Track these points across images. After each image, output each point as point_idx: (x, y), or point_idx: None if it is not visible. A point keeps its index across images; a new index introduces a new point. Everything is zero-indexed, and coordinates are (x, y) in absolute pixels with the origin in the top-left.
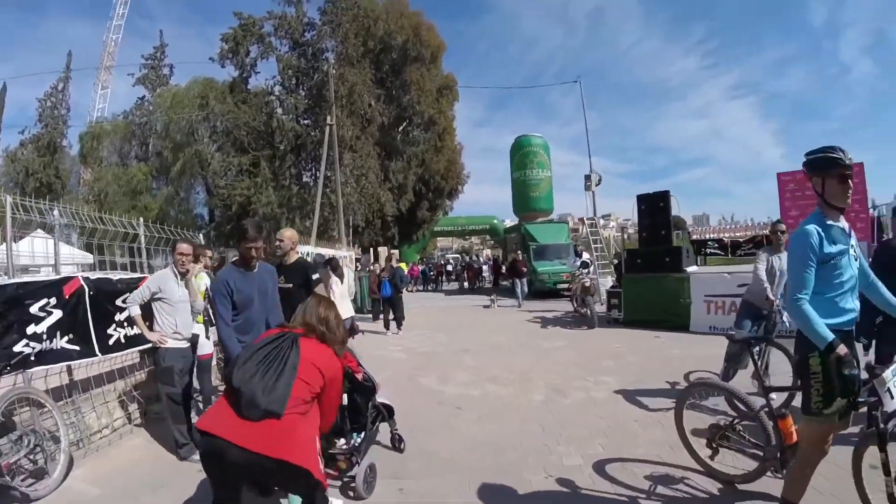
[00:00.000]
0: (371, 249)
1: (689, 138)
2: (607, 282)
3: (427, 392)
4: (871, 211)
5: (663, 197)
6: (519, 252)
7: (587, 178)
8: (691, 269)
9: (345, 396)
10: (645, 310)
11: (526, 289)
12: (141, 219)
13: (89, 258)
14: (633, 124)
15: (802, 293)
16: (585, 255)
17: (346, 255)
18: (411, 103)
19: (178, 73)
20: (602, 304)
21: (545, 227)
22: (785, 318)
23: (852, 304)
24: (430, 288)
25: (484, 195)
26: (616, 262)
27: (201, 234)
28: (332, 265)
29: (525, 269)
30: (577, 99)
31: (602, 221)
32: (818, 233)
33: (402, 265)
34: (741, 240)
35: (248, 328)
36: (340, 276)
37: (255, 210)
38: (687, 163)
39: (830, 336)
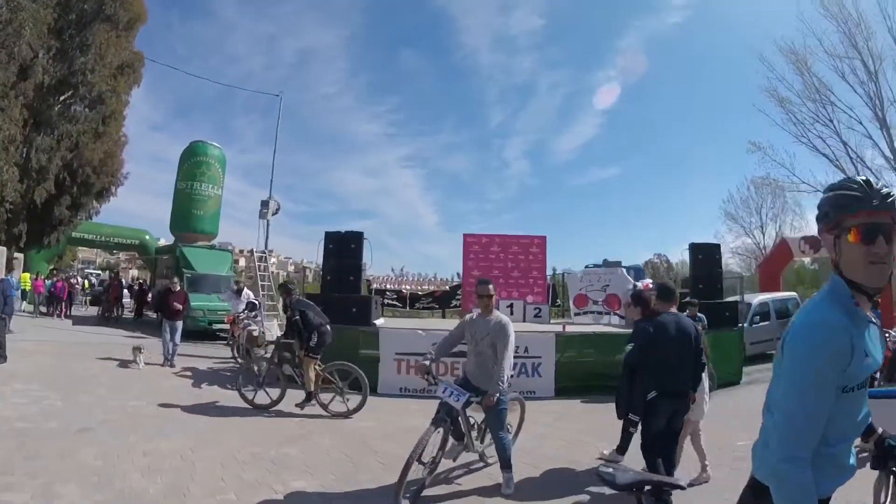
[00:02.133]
0: None
1: (360, 191)
2: (272, 327)
3: None
4: (548, 279)
5: (356, 238)
6: (176, 280)
7: (264, 203)
8: (379, 321)
9: None
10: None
11: (179, 339)
12: None
13: None
14: (310, 168)
15: (802, 451)
16: (249, 294)
17: None
18: (83, 69)
19: None
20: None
21: (205, 252)
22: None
23: (853, 457)
24: (58, 313)
25: (141, 208)
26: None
27: None
28: None
29: (182, 308)
30: (261, 129)
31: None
32: (850, 337)
33: (26, 277)
34: (420, 293)
35: None
36: None
37: None
38: (355, 213)
39: None
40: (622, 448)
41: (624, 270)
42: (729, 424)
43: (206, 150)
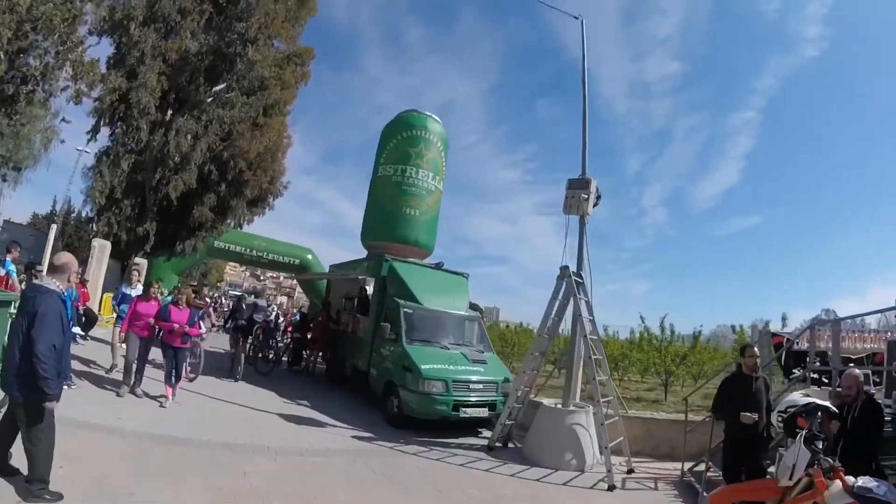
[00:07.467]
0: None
1: (494, 237)
2: None
3: None
4: None
5: None
6: None
7: (575, 184)
8: None
9: None
10: None
11: None
12: None
13: None
14: (447, 213)
15: None
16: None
17: None
18: (243, 38)
19: None
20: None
21: (430, 274)
22: None
23: None
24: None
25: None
26: None
27: None
28: None
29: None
30: None
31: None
32: None
33: (107, 300)
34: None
35: None
36: None
37: None
38: (488, 258)
39: None
40: None
41: None
42: None
43: (424, 123)
